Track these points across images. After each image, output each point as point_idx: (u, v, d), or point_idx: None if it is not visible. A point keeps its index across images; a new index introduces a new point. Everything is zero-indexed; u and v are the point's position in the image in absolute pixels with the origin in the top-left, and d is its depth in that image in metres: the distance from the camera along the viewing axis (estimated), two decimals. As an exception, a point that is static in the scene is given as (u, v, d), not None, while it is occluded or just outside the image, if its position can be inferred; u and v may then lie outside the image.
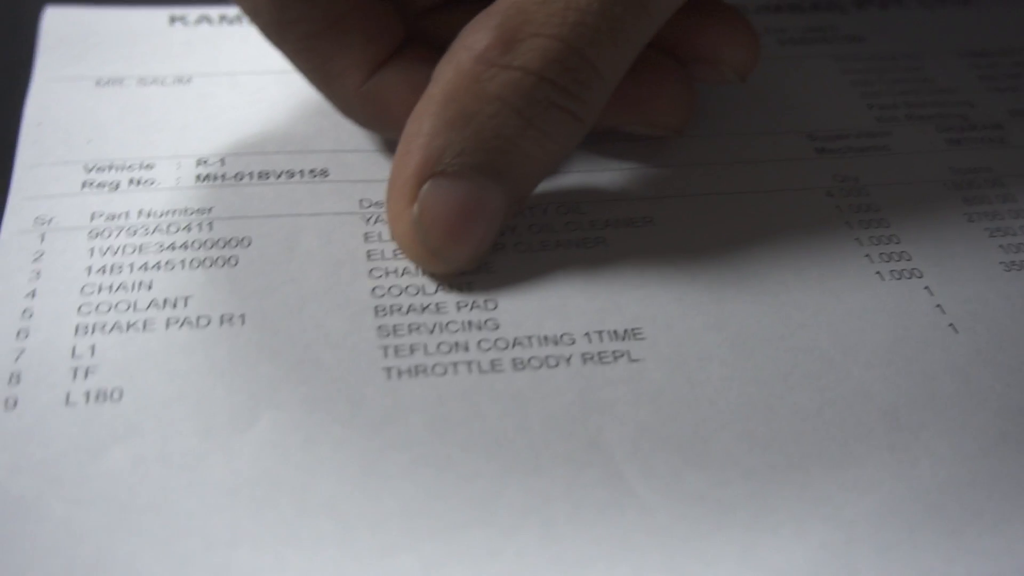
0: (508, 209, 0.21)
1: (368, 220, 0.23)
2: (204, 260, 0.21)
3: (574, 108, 0.20)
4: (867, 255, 0.23)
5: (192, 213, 0.22)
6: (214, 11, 0.28)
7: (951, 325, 0.21)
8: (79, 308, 0.20)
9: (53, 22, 0.27)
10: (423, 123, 0.20)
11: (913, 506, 0.18)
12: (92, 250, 0.21)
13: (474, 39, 0.20)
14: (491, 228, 0.21)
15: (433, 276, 0.21)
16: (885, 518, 0.18)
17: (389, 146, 0.24)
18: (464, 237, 0.21)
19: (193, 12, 0.28)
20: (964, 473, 0.19)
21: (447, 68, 0.20)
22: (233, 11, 0.28)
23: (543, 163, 0.21)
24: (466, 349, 0.20)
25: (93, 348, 0.20)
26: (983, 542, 0.18)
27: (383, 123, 0.23)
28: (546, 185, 0.23)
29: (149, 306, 0.20)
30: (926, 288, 0.22)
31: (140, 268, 0.21)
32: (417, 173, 0.20)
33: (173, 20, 0.28)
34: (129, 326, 0.20)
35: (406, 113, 0.21)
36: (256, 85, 0.26)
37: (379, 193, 0.23)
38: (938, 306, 0.22)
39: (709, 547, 0.17)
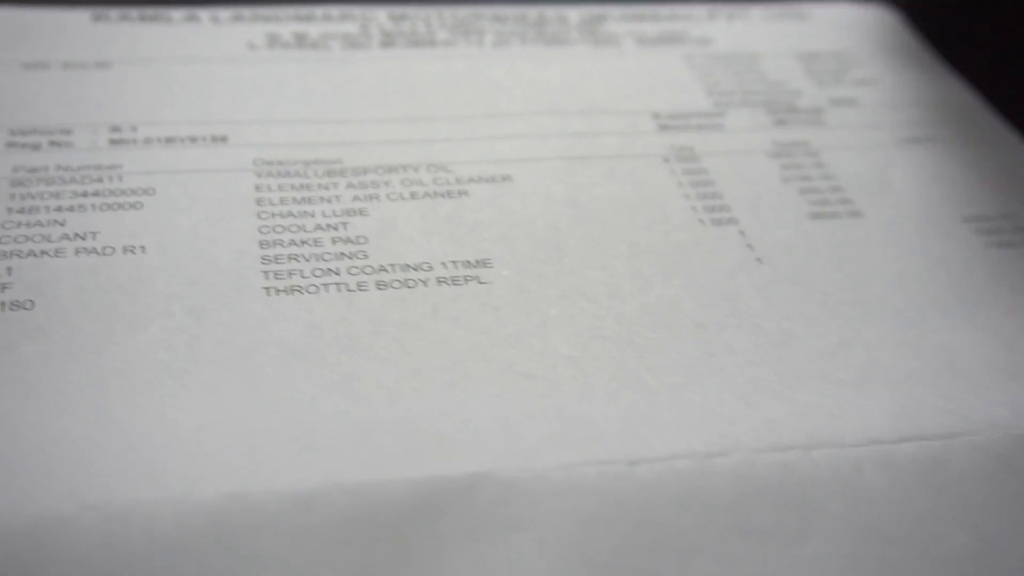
0: None
1: (259, 175, 0.26)
2: (112, 204, 0.24)
3: None
4: (693, 207, 0.26)
5: (104, 168, 0.25)
6: (134, 11, 0.32)
7: (758, 259, 0.25)
8: (-1, 239, 0.23)
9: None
10: None
11: (711, 380, 0.22)
12: (13, 195, 0.24)
13: None
14: None
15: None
16: (685, 388, 0.21)
17: (282, 118, 0.28)
18: None
19: (114, 12, 0.32)
20: (757, 360, 0.22)
21: None
22: (151, 10, 0.32)
23: None
24: (337, 274, 0.23)
25: (10, 269, 0.22)
26: (772, 405, 0.21)
27: None
28: (421, 150, 0.27)
29: (61, 238, 0.23)
30: (740, 232, 0.26)
31: (55, 209, 0.24)
32: None
33: (96, 18, 0.31)
34: (42, 252, 0.23)
35: None
36: (170, 71, 0.29)
37: (271, 155, 0.26)
38: (748, 245, 0.25)
39: (535, 410, 0.21)
